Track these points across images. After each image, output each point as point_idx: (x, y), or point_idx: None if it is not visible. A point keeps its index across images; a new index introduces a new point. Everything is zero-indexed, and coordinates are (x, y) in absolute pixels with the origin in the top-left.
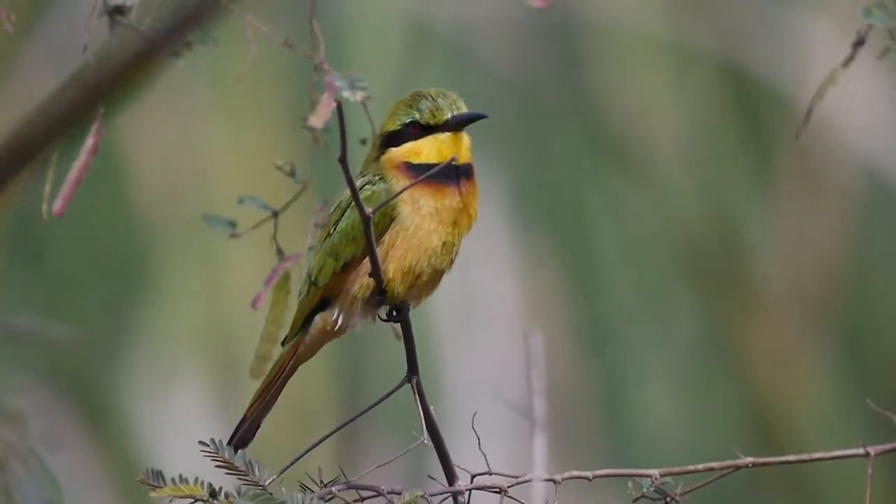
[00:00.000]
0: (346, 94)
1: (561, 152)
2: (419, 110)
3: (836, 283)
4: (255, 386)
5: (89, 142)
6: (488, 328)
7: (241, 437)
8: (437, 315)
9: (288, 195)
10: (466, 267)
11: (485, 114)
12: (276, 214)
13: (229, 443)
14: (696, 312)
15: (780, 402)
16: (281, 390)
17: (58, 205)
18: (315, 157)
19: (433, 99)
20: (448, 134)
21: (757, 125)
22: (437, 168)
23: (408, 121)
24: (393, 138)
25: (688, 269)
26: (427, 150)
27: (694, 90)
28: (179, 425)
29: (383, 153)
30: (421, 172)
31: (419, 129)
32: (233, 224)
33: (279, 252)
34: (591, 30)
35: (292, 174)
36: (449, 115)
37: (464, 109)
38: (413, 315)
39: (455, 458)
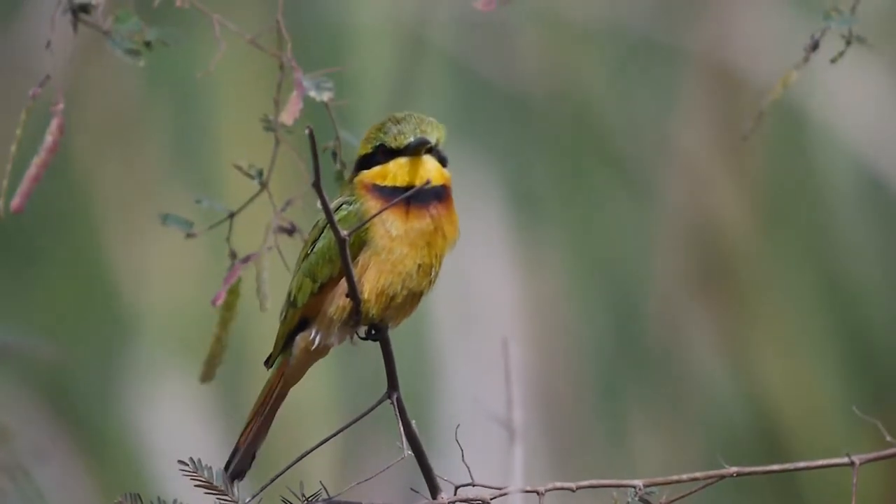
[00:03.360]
0: (312, 93)
1: (557, 155)
2: (386, 134)
3: (827, 277)
4: (249, 388)
5: (48, 139)
6: (486, 335)
7: (238, 466)
8: (434, 321)
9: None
10: (464, 271)
11: (427, 140)
12: (232, 216)
13: (225, 471)
14: (693, 312)
15: (780, 403)
16: (273, 416)
17: (16, 202)
18: (283, 160)
19: (399, 123)
20: (406, 158)
21: (742, 122)
22: (410, 192)
23: (377, 144)
24: (365, 161)
25: (684, 270)
26: (392, 173)
27: (684, 91)
28: (172, 433)
29: (356, 175)
30: (388, 194)
31: (386, 153)
32: (189, 223)
33: (233, 255)
34: (581, 33)
35: (252, 176)
36: (411, 139)
37: (428, 133)
38: (411, 321)
39: (454, 468)
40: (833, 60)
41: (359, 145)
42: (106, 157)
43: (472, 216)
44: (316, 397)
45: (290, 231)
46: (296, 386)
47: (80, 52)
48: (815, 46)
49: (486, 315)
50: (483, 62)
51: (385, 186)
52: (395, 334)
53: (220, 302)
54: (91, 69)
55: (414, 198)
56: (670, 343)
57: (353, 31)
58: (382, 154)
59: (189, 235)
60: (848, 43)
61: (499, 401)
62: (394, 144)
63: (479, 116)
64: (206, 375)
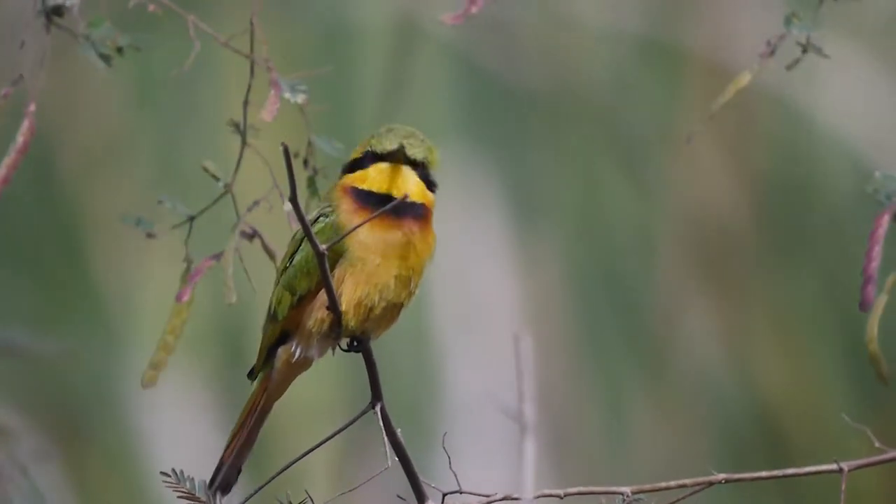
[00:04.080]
0: (287, 95)
1: (559, 151)
2: (376, 139)
3: (827, 273)
4: (247, 389)
5: (19, 140)
6: (488, 332)
7: (224, 480)
8: (437, 319)
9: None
10: (466, 268)
11: (404, 146)
12: (192, 219)
13: (210, 486)
14: (699, 311)
15: (781, 398)
16: (257, 431)
17: None
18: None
19: (390, 131)
20: (387, 164)
21: (742, 120)
22: (390, 205)
23: (367, 150)
24: (353, 165)
25: (686, 267)
26: (371, 177)
27: (685, 88)
28: (172, 436)
29: (342, 177)
30: (364, 198)
31: (372, 158)
32: (150, 224)
33: (188, 260)
34: (583, 29)
35: (217, 178)
36: (395, 146)
37: (414, 146)
38: (414, 319)
39: (461, 468)
40: (788, 68)
41: (334, 151)
42: (94, 168)
43: (473, 212)
44: (312, 403)
45: (251, 236)
46: (291, 391)
47: (66, 64)
48: (771, 52)
49: (489, 312)
50: (484, 59)
51: (362, 190)
52: (399, 333)
53: (185, 299)
54: (78, 82)
55: (391, 210)
56: (672, 339)
57: (351, 26)
58: (369, 159)
59: (150, 235)
60: (804, 51)
61: (506, 396)
62: (378, 149)
63: (481, 112)
64: (150, 379)
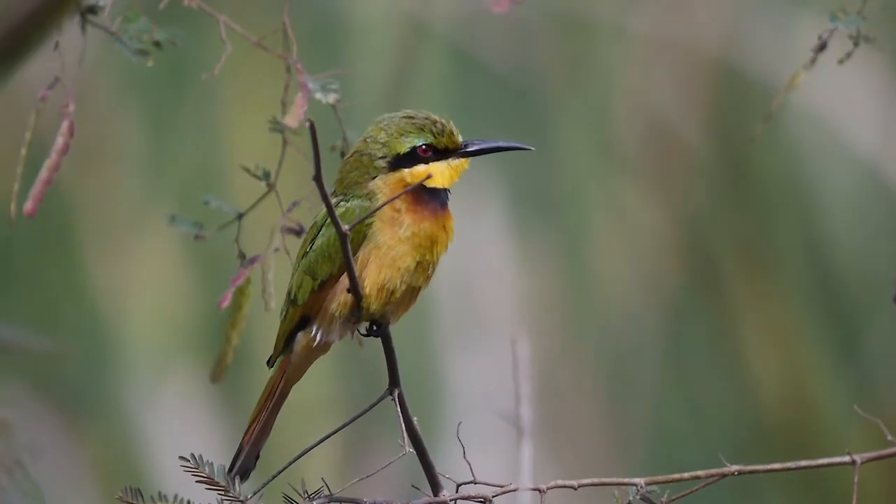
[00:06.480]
0: (318, 95)
1: (560, 150)
2: (433, 133)
3: (823, 275)
4: (252, 386)
5: (59, 141)
6: (489, 331)
7: (243, 465)
8: (438, 318)
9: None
10: (468, 267)
11: (527, 145)
12: (240, 217)
13: (229, 472)
14: (697, 311)
15: (786, 401)
16: (275, 415)
17: (28, 205)
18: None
19: (445, 121)
20: (462, 159)
21: (745, 119)
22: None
23: (420, 143)
24: (402, 160)
25: (689, 268)
26: (440, 173)
27: (694, 88)
28: (174, 431)
29: (393, 171)
30: (432, 195)
31: (434, 153)
32: (199, 225)
33: (241, 255)
34: (590, 26)
35: (259, 177)
36: (462, 140)
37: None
38: (415, 317)
39: (456, 464)
40: (841, 62)
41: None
42: (90, 167)
43: (474, 211)
44: (318, 394)
45: (298, 232)
46: (298, 383)
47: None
48: (822, 47)
49: (488, 313)
50: (486, 55)
51: (432, 188)
52: (399, 332)
53: (226, 304)
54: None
55: (433, 197)
56: (673, 339)
57: (354, 22)
58: (425, 153)
59: (198, 238)
60: (856, 44)
61: (505, 397)
62: (450, 144)
63: (482, 109)
64: (216, 376)
